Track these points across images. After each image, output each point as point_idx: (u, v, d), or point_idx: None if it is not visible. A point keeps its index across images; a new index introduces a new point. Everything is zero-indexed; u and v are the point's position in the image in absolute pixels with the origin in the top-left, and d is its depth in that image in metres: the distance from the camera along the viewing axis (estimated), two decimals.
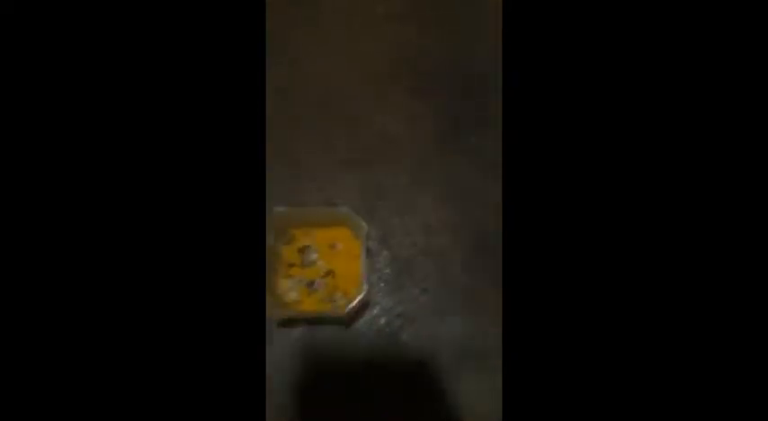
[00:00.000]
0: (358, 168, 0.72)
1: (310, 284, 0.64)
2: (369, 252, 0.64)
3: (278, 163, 0.71)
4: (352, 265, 0.65)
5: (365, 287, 0.60)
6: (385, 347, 0.63)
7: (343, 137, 0.74)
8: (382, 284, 0.67)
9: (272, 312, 0.59)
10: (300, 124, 0.75)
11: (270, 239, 0.62)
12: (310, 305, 0.63)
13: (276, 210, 0.62)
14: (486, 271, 0.66)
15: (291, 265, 0.65)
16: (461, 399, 0.61)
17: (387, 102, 0.76)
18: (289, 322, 0.60)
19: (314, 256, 0.65)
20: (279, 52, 0.77)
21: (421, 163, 0.73)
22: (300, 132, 0.74)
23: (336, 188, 0.71)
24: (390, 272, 0.67)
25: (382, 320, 0.65)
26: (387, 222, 0.70)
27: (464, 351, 0.63)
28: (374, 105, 0.76)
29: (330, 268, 0.65)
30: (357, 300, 0.59)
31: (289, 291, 0.64)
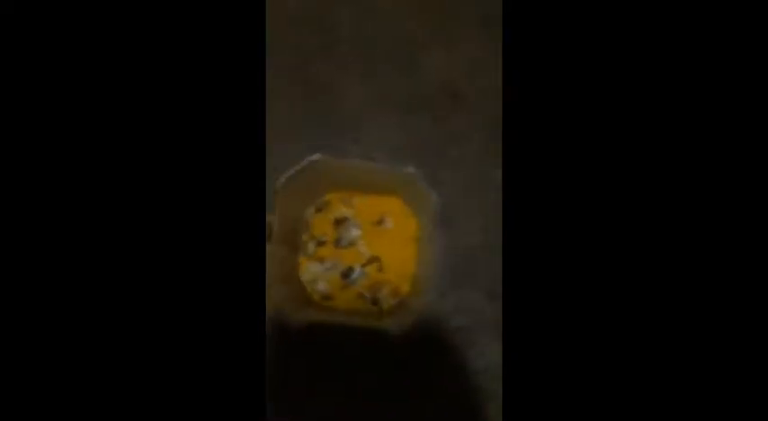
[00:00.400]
0: (416, 122, 0.53)
1: (346, 274, 0.46)
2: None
3: (308, 110, 0.52)
4: (406, 252, 0.47)
5: (428, 289, 0.43)
6: (431, 376, 0.46)
7: (397, 81, 0.54)
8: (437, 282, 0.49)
9: (289, 310, 0.41)
10: (343, 64, 0.55)
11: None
12: (344, 302, 0.46)
13: (311, 160, 0.43)
14: None
15: (322, 243, 0.46)
16: None
17: (454, 37, 0.56)
18: (313, 329, 0.42)
19: (354, 234, 0.47)
20: None
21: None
22: (341, 73, 0.54)
23: (383, 146, 0.52)
24: (449, 265, 0.49)
25: (433, 334, 0.47)
26: (449, 198, 0.51)
27: None
28: (437, 41, 0.56)
29: (375, 254, 0.47)
30: (415, 308, 0.42)
31: (316, 279, 0.46)
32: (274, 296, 0.41)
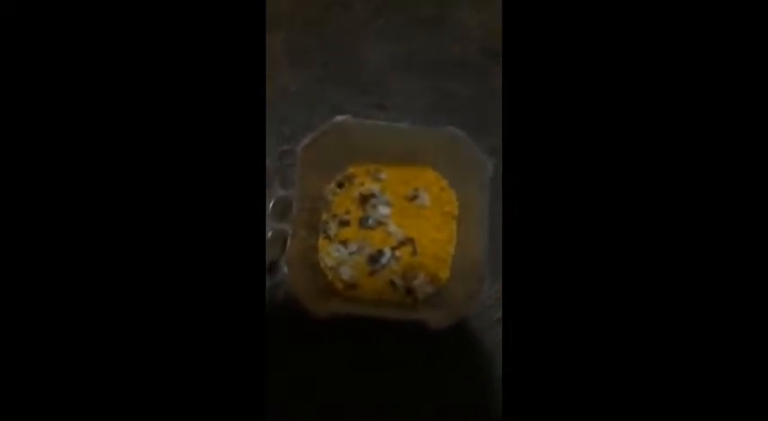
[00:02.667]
0: (446, 81, 0.46)
1: (375, 258, 0.39)
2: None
3: (327, 72, 0.45)
4: (444, 233, 0.40)
5: (471, 276, 0.36)
6: (473, 376, 0.40)
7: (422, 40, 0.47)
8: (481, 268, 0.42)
9: (308, 300, 0.35)
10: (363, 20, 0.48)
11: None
12: (372, 291, 0.39)
13: (334, 122, 0.37)
14: None
15: (345, 224, 0.40)
16: None
17: None
18: (336, 322, 0.36)
19: (383, 212, 0.40)
20: None
21: None
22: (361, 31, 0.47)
23: (409, 108, 0.44)
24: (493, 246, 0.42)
25: (477, 329, 0.41)
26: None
27: None
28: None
29: (408, 234, 0.40)
30: (456, 298, 0.35)
31: (339, 265, 0.39)
32: (291, 284, 0.35)
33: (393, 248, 0.40)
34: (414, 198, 0.41)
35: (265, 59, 0.41)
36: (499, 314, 0.41)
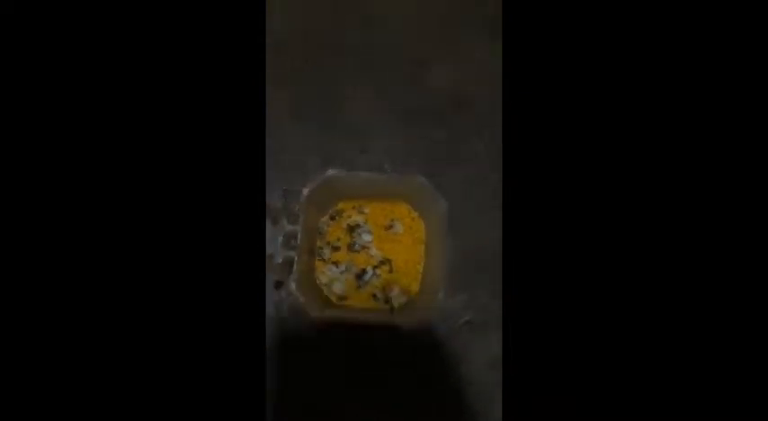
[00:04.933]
0: (418, 127, 0.55)
1: (360, 276, 0.50)
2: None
3: (309, 112, 0.54)
4: (415, 254, 0.51)
5: (436, 288, 0.46)
6: (437, 367, 0.50)
7: (401, 89, 0.57)
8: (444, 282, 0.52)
9: (309, 309, 0.45)
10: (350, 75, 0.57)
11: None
12: (358, 301, 0.50)
13: (328, 175, 0.47)
14: None
15: (337, 248, 0.51)
16: None
17: (457, 48, 0.59)
18: (330, 326, 0.46)
19: (366, 239, 0.51)
20: None
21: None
22: (345, 75, 0.57)
23: (387, 151, 0.54)
24: (458, 266, 0.53)
25: (440, 330, 0.51)
26: (455, 198, 0.54)
27: None
28: (441, 51, 0.58)
29: (386, 256, 0.51)
30: (423, 305, 0.45)
31: (332, 281, 0.50)
32: (296, 298, 0.45)
33: (374, 267, 0.50)
34: (390, 227, 0.51)
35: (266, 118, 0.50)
36: (465, 318, 0.51)
